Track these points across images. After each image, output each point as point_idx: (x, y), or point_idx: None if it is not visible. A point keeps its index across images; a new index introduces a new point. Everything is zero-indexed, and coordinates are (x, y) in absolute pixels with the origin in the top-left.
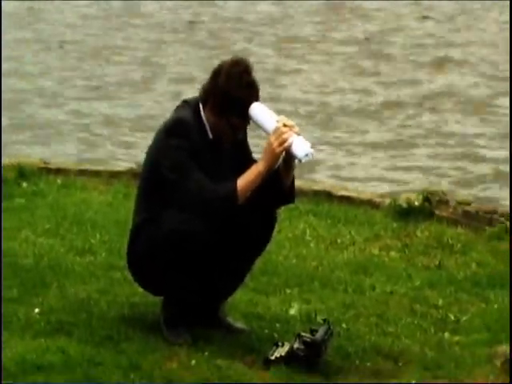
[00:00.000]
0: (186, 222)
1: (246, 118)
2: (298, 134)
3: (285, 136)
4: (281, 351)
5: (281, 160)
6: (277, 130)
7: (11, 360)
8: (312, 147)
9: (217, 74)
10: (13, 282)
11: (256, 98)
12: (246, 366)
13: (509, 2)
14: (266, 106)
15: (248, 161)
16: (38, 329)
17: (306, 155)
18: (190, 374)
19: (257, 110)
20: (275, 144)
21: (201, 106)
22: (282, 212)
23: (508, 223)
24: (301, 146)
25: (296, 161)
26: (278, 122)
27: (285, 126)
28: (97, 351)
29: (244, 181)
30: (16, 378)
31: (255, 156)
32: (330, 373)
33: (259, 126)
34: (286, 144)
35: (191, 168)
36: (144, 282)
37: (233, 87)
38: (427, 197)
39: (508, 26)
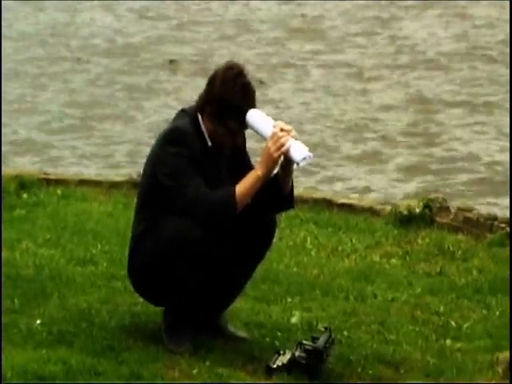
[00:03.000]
0: (184, 229)
1: (243, 122)
2: (296, 139)
3: (282, 140)
4: (282, 359)
5: (279, 165)
6: (274, 135)
7: (13, 371)
8: (309, 151)
9: (212, 80)
10: (14, 293)
11: (252, 101)
12: (247, 374)
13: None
14: (262, 112)
15: (247, 168)
16: (39, 339)
17: (304, 158)
18: (191, 382)
19: (253, 116)
20: (273, 149)
21: (199, 114)
22: (283, 220)
23: (509, 229)
24: (298, 150)
25: (294, 165)
26: (274, 127)
27: (282, 130)
28: (98, 361)
29: (242, 187)
30: None
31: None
32: (331, 380)
33: (257, 132)
34: (283, 148)
35: (189, 175)
36: (145, 291)
37: (228, 91)
38: (428, 204)
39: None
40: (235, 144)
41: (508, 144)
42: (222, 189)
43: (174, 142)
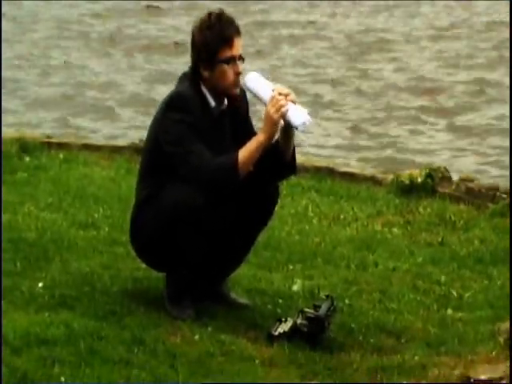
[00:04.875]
0: (187, 196)
1: (232, 45)
2: (294, 102)
3: (281, 103)
4: (284, 327)
5: (279, 131)
6: (273, 98)
7: (15, 333)
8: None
9: (192, 38)
10: (16, 256)
11: (231, 24)
12: (249, 341)
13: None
14: (261, 76)
15: (250, 133)
16: (41, 303)
17: (304, 123)
18: (193, 348)
19: (252, 80)
20: (272, 111)
21: (196, 74)
22: (285, 188)
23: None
24: (297, 115)
25: (294, 129)
26: (273, 91)
27: (280, 94)
28: (100, 325)
29: (245, 152)
30: (20, 352)
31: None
32: (332, 349)
33: (256, 97)
34: (283, 109)
35: (192, 141)
36: (147, 257)
37: (205, 30)
38: (430, 173)
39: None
40: (238, 74)
41: None
42: (225, 155)
43: (177, 108)
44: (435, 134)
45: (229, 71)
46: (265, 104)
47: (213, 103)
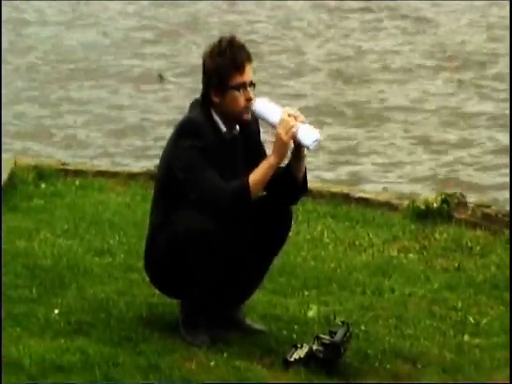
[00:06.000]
0: (198, 221)
1: (243, 71)
2: (304, 122)
3: (291, 124)
4: (300, 353)
5: (290, 153)
6: (282, 120)
7: (31, 360)
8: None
9: (203, 65)
10: (32, 283)
11: (242, 50)
12: (264, 367)
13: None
14: (270, 102)
15: (263, 156)
16: (57, 329)
17: (315, 141)
18: (208, 375)
19: (261, 105)
20: (282, 133)
21: (207, 100)
22: (300, 214)
23: None
24: (307, 134)
25: (305, 149)
26: (283, 113)
27: (289, 116)
28: (116, 352)
29: (256, 175)
30: (36, 379)
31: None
32: (348, 375)
33: (266, 122)
34: (293, 129)
35: (203, 167)
36: (161, 285)
37: (216, 56)
38: (445, 199)
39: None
40: (249, 100)
41: None
42: (236, 180)
43: (188, 135)
44: None
45: (240, 97)
46: (275, 128)
47: (224, 129)
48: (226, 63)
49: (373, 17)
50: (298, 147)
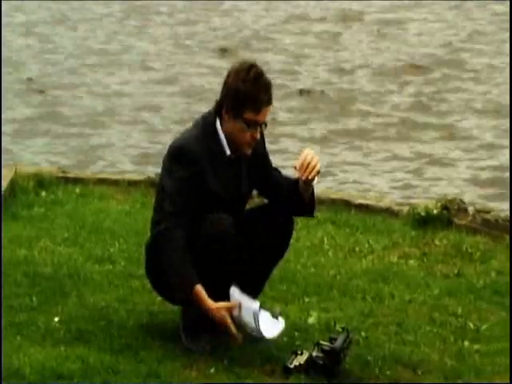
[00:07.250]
0: (201, 229)
1: (259, 112)
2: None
3: (227, 321)
4: (300, 359)
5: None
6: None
7: (31, 368)
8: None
9: (227, 76)
10: (32, 291)
11: (265, 90)
12: (265, 374)
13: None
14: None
15: (268, 172)
16: (57, 337)
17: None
18: (209, 382)
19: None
20: (221, 319)
21: (217, 120)
22: (300, 221)
23: None
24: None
25: (314, 181)
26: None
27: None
28: (116, 360)
29: (199, 294)
30: None
31: (282, 163)
32: (349, 381)
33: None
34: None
35: (184, 202)
36: (163, 291)
37: (241, 81)
38: (445, 205)
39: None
40: (254, 139)
41: None
42: (188, 264)
43: (179, 163)
44: None
45: (246, 132)
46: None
47: (228, 152)
48: (246, 94)
49: None
50: (307, 181)
